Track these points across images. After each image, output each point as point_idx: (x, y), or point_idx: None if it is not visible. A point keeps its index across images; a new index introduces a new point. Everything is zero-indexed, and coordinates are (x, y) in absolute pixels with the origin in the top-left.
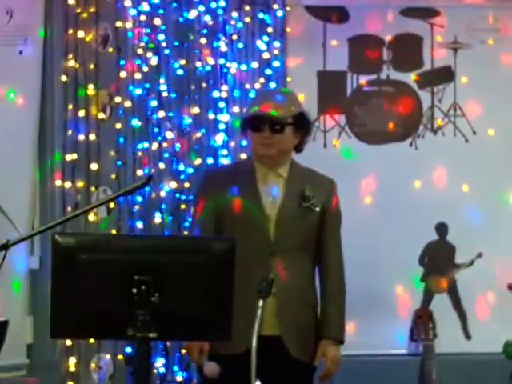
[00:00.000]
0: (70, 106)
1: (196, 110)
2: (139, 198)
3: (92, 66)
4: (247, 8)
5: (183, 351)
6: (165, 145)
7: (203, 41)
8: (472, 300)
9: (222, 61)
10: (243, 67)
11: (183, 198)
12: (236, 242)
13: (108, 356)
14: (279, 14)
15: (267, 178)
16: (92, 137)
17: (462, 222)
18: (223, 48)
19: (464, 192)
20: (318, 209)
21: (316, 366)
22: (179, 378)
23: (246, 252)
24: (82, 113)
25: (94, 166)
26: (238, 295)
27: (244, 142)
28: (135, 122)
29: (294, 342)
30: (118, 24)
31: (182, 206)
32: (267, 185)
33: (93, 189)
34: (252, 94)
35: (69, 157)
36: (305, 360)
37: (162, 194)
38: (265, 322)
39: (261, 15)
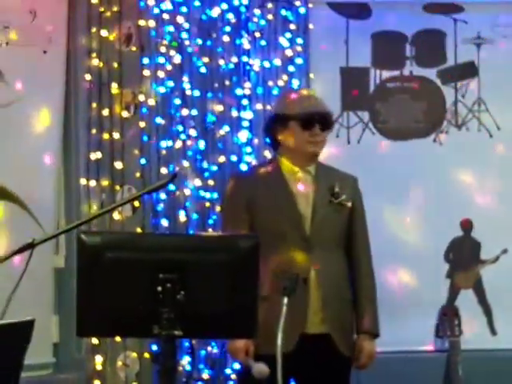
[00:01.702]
0: (94, 105)
1: (219, 107)
2: (163, 196)
3: (116, 65)
4: (270, 5)
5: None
6: (188, 143)
7: (226, 38)
8: (497, 296)
9: (245, 58)
10: (266, 64)
11: (208, 195)
12: (259, 239)
13: (134, 354)
14: (302, 10)
15: (297, 176)
16: (116, 135)
17: (486, 217)
18: (246, 45)
19: (489, 187)
20: (349, 204)
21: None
22: (205, 376)
23: (283, 252)
24: (105, 111)
25: (118, 165)
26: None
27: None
28: (159, 120)
29: (342, 338)
30: (141, 23)
31: (207, 204)
32: (298, 183)
33: (117, 187)
34: (275, 91)
35: (93, 155)
36: (350, 355)
37: (187, 191)
38: (308, 320)
39: (283, 12)
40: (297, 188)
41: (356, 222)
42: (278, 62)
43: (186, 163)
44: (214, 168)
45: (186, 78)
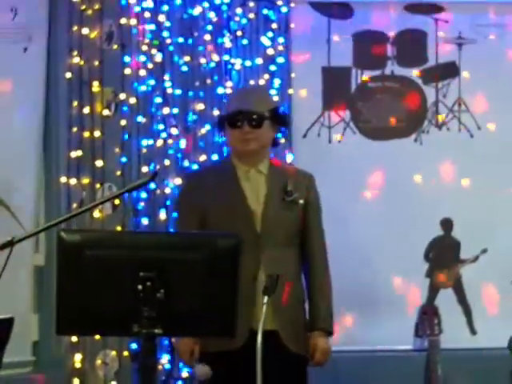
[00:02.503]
0: (75, 103)
1: (201, 106)
2: (144, 195)
3: (97, 63)
4: (251, 4)
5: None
6: (169, 141)
7: (208, 37)
8: (477, 295)
9: (226, 57)
10: (248, 63)
11: None
12: (241, 238)
13: (113, 352)
14: (283, 9)
15: (248, 175)
16: (97, 134)
17: (466, 217)
18: (228, 44)
19: (469, 187)
20: (301, 201)
21: (309, 358)
22: (185, 374)
23: None
24: (86, 110)
25: (98, 163)
26: None
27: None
28: (140, 119)
29: (291, 335)
30: (123, 21)
31: None
32: (250, 182)
33: (98, 185)
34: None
35: (74, 153)
36: (301, 353)
37: (167, 190)
38: (257, 317)
39: (265, 11)
40: (248, 187)
41: (310, 219)
42: (259, 61)
43: (167, 162)
44: (195, 167)
45: (167, 77)
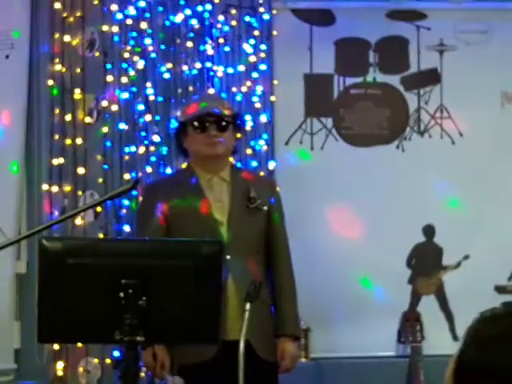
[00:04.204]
0: (57, 111)
1: None
2: (126, 202)
3: (78, 70)
4: (233, 11)
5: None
6: (152, 148)
7: (190, 44)
8: (459, 302)
9: (208, 64)
10: (230, 70)
11: None
12: (223, 245)
13: (96, 360)
14: (265, 17)
15: (211, 183)
16: (79, 141)
17: (449, 223)
18: (210, 51)
19: (451, 194)
20: (265, 208)
21: (278, 364)
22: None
23: None
24: (68, 117)
25: (80, 170)
26: None
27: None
28: (122, 126)
29: (261, 343)
30: (105, 28)
31: None
32: (213, 190)
33: (80, 193)
34: (239, 97)
35: (56, 161)
36: (272, 360)
37: None
38: (227, 328)
39: (247, 18)
40: (212, 195)
41: (273, 225)
42: (241, 68)
43: (149, 169)
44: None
45: (149, 84)
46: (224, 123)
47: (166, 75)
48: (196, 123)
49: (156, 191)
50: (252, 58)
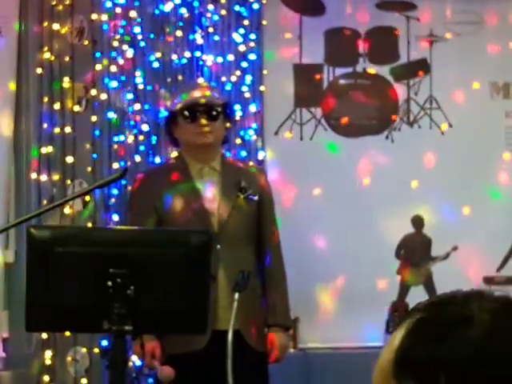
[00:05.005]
0: (46, 99)
1: None
2: (115, 191)
3: (67, 59)
4: (223, 1)
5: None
6: (141, 137)
7: (179, 33)
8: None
9: (198, 53)
10: (219, 60)
11: None
12: (213, 235)
13: (84, 349)
14: (255, 6)
15: (202, 173)
16: (67, 130)
17: (437, 214)
18: (199, 41)
19: (440, 185)
20: (256, 197)
21: (268, 354)
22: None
23: None
24: (57, 106)
25: (69, 159)
26: None
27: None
28: (111, 115)
29: (251, 333)
30: (94, 16)
31: None
32: (203, 180)
33: (68, 182)
34: (228, 87)
35: (44, 150)
36: (262, 350)
37: None
38: (218, 317)
39: (237, 8)
40: (202, 185)
41: (264, 214)
42: (231, 57)
43: (137, 158)
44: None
45: (138, 73)
46: (215, 112)
47: (156, 64)
48: (186, 112)
49: (146, 181)
50: (241, 48)
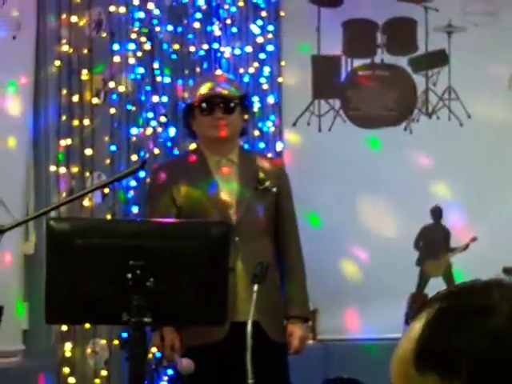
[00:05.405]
0: (64, 92)
1: None
2: (134, 183)
3: (86, 51)
4: None
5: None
6: (159, 129)
7: (197, 25)
8: None
9: (215, 45)
10: (237, 51)
11: None
12: (232, 227)
13: (103, 341)
14: None
15: (220, 165)
16: (86, 122)
17: (456, 205)
18: (217, 32)
19: (459, 175)
20: (274, 189)
21: (287, 345)
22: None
23: None
24: (75, 98)
25: (88, 152)
26: None
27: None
28: (129, 107)
29: (271, 324)
30: (112, 9)
31: None
32: (222, 172)
33: (87, 174)
34: (246, 78)
35: (63, 142)
36: (282, 341)
37: None
38: (237, 309)
39: None
40: (220, 177)
41: (283, 206)
42: (249, 49)
43: (156, 150)
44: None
45: (156, 65)
46: (232, 104)
47: (174, 56)
48: (204, 105)
49: (165, 173)
50: (259, 39)
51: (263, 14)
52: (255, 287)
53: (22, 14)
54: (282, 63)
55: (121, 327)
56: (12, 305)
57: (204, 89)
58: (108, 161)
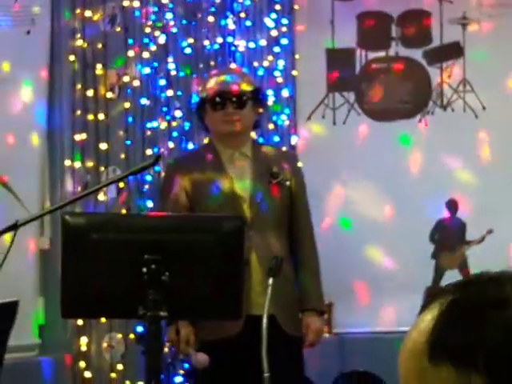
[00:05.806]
0: (79, 86)
1: None
2: (149, 178)
3: (100, 46)
4: None
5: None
6: (174, 124)
7: (211, 19)
8: None
9: (230, 39)
10: (251, 45)
11: None
12: (246, 221)
13: (119, 335)
14: None
15: (233, 159)
16: (101, 116)
17: (471, 198)
18: (231, 26)
19: (474, 168)
20: (288, 183)
21: (303, 338)
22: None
23: None
24: (90, 92)
25: (103, 146)
26: None
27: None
28: (144, 101)
29: (286, 318)
30: (126, 3)
31: None
32: (235, 166)
33: (102, 168)
34: (261, 72)
35: (78, 137)
36: (297, 334)
37: None
38: (252, 302)
39: None
40: (234, 171)
41: (296, 200)
42: (263, 42)
43: (171, 144)
44: None
45: (170, 59)
46: (244, 98)
47: (188, 50)
48: (216, 99)
49: (178, 167)
50: (273, 33)
51: (277, 7)
52: (270, 281)
53: (36, 9)
54: (296, 56)
55: (137, 321)
56: (28, 299)
57: (215, 84)
58: (123, 155)
